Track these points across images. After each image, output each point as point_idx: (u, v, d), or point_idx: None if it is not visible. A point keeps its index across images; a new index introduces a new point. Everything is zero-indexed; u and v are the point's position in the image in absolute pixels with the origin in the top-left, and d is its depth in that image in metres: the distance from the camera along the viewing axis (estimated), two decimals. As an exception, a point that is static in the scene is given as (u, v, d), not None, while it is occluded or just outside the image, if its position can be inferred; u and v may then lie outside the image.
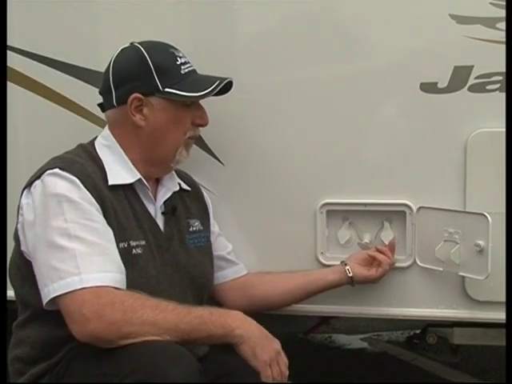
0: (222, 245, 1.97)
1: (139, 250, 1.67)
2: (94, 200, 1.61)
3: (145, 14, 2.02)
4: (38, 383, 1.64)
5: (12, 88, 2.10)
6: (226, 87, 1.79)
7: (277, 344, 1.59)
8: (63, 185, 1.60)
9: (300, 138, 1.99)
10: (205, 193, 1.97)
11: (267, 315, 2.05)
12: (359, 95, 1.94)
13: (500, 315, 1.80)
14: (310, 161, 1.99)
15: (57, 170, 1.62)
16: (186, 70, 1.75)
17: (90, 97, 2.02)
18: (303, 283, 1.95)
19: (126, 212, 1.69)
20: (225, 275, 1.96)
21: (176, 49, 1.78)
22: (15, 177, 2.02)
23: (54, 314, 1.58)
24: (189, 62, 1.78)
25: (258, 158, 2.02)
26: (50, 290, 1.53)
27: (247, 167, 2.04)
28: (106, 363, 1.49)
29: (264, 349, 1.55)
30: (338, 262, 1.98)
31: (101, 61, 1.99)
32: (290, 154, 2.00)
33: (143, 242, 1.69)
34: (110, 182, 1.68)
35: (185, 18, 2.03)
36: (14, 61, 2.10)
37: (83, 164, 1.66)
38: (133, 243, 1.67)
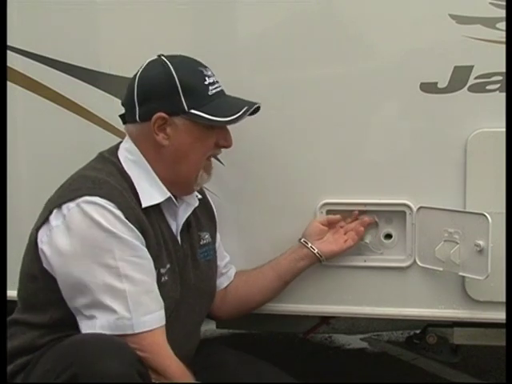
0: (220, 255, 1.95)
1: (166, 277, 1.66)
2: (138, 233, 1.58)
3: (145, 14, 2.01)
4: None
5: (12, 88, 2.09)
6: (254, 110, 1.74)
7: None
8: (108, 218, 1.55)
9: (300, 137, 1.99)
10: (211, 202, 1.94)
11: (268, 315, 2.06)
12: (359, 95, 1.94)
13: (500, 315, 1.80)
14: (310, 161, 1.99)
15: (97, 199, 1.56)
16: (214, 91, 1.68)
17: (90, 97, 2.03)
18: (276, 277, 1.94)
19: (158, 237, 1.66)
20: (219, 284, 1.94)
21: (205, 67, 1.70)
22: (15, 177, 2.02)
23: (40, 327, 1.61)
24: (217, 82, 1.71)
25: (258, 158, 2.02)
26: (96, 324, 1.53)
27: (247, 167, 2.03)
28: (49, 360, 1.52)
29: None
30: (338, 263, 1.99)
31: (101, 61, 2.00)
32: (290, 154, 2.00)
33: (168, 266, 1.68)
34: (144, 205, 1.63)
35: (184, 18, 2.02)
36: (14, 61, 2.10)
37: (122, 192, 1.60)
38: (162, 270, 1.65)
